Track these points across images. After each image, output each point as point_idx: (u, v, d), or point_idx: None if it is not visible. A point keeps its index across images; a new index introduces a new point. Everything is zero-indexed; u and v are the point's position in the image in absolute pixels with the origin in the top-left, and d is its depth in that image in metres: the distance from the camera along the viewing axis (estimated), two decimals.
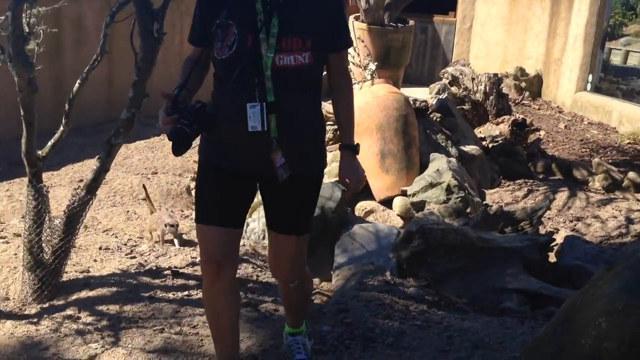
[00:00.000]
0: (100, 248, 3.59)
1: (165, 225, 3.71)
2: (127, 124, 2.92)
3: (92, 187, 2.96)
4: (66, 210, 2.95)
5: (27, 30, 2.73)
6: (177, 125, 1.87)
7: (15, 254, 3.37)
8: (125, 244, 3.70)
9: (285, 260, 2.18)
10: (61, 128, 3.10)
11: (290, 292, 2.31)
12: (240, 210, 2.13)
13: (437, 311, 3.09)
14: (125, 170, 5.37)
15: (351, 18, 5.24)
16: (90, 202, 2.98)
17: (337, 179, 2.17)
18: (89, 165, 5.50)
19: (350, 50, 4.91)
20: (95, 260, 3.39)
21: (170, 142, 1.91)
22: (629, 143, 6.77)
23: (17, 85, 2.77)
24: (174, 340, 2.61)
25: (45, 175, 4.88)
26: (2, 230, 3.76)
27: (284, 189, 2.03)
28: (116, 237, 3.84)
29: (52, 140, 3.09)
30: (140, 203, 4.58)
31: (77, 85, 3.10)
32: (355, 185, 2.08)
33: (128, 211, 4.27)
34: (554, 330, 1.78)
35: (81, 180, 4.94)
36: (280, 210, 2.12)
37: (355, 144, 2.11)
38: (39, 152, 3.02)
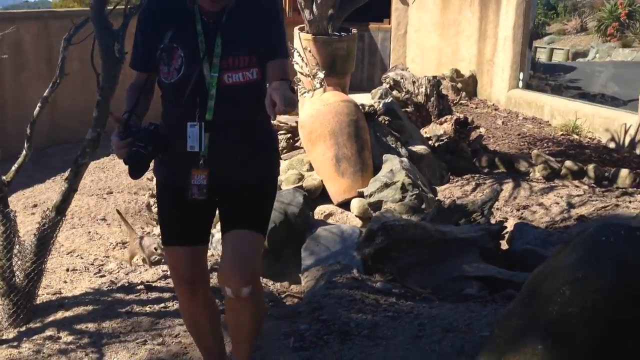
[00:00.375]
0: (67, 270, 3.60)
1: (155, 249, 3.65)
2: (92, 144, 2.96)
3: (62, 208, 2.99)
4: (36, 233, 2.96)
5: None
6: (132, 148, 1.89)
7: None
8: (92, 264, 3.71)
9: (236, 263, 2.02)
10: (24, 152, 3.12)
11: (241, 311, 2.09)
12: (203, 226, 2.16)
13: (405, 302, 3.25)
14: (80, 192, 5.30)
15: (296, 29, 5.40)
16: (60, 223, 3.00)
17: (294, 185, 2.17)
18: (40, 190, 5.44)
19: (298, 60, 5.08)
20: (65, 282, 3.40)
21: (127, 166, 1.92)
22: (562, 134, 7.18)
23: None
24: (158, 350, 2.67)
25: None
26: None
27: (235, 196, 2.06)
28: (81, 257, 3.84)
29: (16, 165, 3.10)
30: (99, 223, 4.58)
31: (37, 108, 3.13)
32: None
33: (89, 232, 4.26)
34: (522, 303, 1.97)
35: (35, 205, 4.90)
36: (232, 211, 2.10)
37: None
38: (4, 177, 3.02)
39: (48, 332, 2.83)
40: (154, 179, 2.23)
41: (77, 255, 3.87)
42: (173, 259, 2.13)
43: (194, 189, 2.00)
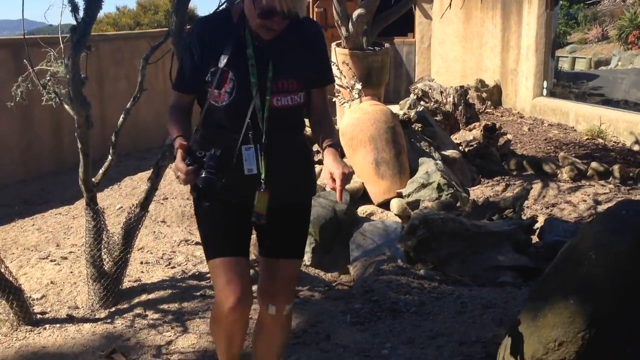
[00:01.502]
0: (141, 263, 4.02)
1: None
2: (171, 148, 3.38)
3: (145, 204, 3.42)
4: (123, 226, 3.39)
5: (84, 74, 3.18)
6: (204, 175, 1.87)
7: (71, 272, 3.78)
8: (162, 258, 4.13)
9: (282, 284, 2.12)
10: (109, 157, 3.55)
11: (278, 327, 2.17)
12: (247, 240, 2.17)
13: (447, 286, 3.61)
14: (137, 199, 5.78)
15: (333, 45, 5.82)
16: (144, 217, 3.43)
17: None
18: (101, 197, 5.89)
19: (337, 72, 5.50)
20: (142, 272, 3.82)
21: (198, 192, 1.92)
22: (587, 138, 7.48)
23: (76, 122, 3.21)
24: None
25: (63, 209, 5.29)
26: (48, 256, 4.15)
27: (278, 218, 2.06)
28: (151, 253, 4.26)
29: (103, 169, 3.53)
30: (160, 225, 5.00)
31: (121, 119, 3.56)
32: (341, 180, 1.87)
33: (154, 231, 4.69)
34: (556, 268, 2.32)
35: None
36: (277, 237, 2.13)
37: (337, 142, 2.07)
38: (93, 179, 3.46)
39: (136, 311, 3.24)
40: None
41: (147, 251, 4.29)
42: (221, 271, 2.04)
43: (255, 214, 2.01)
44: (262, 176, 2.00)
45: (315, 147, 2.70)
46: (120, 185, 6.41)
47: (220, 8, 2.16)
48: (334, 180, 1.89)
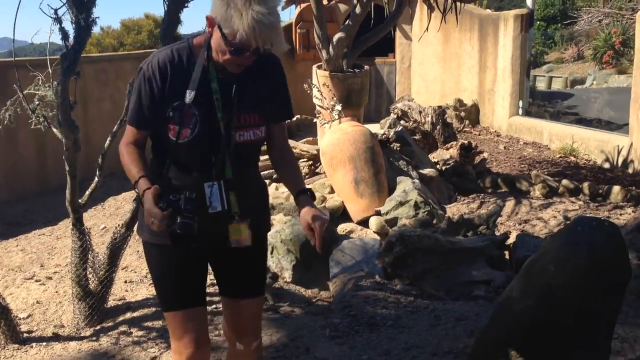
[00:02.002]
0: (125, 282, 4.12)
1: None
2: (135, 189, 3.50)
3: (130, 224, 3.53)
4: (109, 246, 3.50)
5: (72, 99, 3.30)
6: (182, 220, 1.76)
7: (56, 291, 3.87)
8: (145, 277, 4.23)
9: (248, 323, 2.13)
10: (95, 179, 3.66)
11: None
12: (204, 285, 2.11)
13: (422, 300, 3.75)
14: (121, 219, 5.87)
15: (314, 67, 6.00)
16: (129, 237, 3.54)
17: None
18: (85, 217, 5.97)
19: (317, 94, 5.67)
20: (126, 291, 3.92)
21: (175, 237, 1.78)
22: (560, 157, 7.71)
23: (64, 145, 3.33)
24: (216, 340, 3.17)
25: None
26: (33, 277, 4.23)
27: (237, 254, 2.01)
28: (134, 272, 4.36)
29: (89, 190, 3.65)
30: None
31: (107, 142, 3.67)
32: (320, 232, 1.94)
33: (138, 250, 4.79)
34: (519, 280, 2.48)
35: None
36: (236, 276, 2.10)
37: (308, 188, 2.07)
38: (79, 200, 3.56)
39: (121, 329, 3.34)
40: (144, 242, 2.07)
41: (131, 270, 4.38)
42: (180, 323, 2.02)
43: (234, 241, 1.94)
44: (235, 209, 1.94)
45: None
46: (104, 206, 6.51)
47: (180, 42, 1.99)
48: (312, 230, 1.91)
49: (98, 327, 3.41)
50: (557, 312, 2.24)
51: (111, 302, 3.68)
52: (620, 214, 5.11)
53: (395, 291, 3.88)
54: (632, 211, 5.15)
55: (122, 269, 4.48)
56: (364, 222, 5.12)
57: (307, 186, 2.08)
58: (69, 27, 3.08)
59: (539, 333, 2.27)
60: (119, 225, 3.51)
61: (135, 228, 2.14)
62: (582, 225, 2.38)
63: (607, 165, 7.24)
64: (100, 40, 16.47)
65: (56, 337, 3.29)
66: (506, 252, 4.64)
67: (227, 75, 1.92)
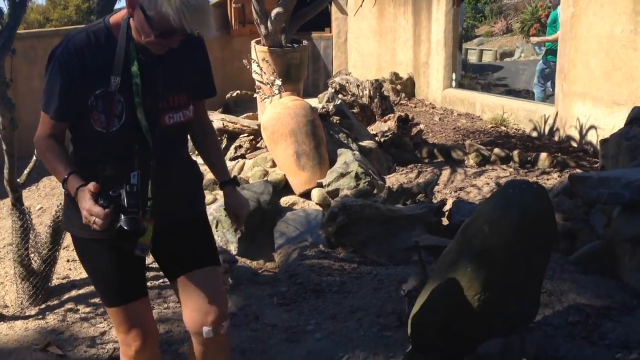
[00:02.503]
0: (68, 260, 4.08)
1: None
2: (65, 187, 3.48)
3: None
4: (51, 224, 3.46)
5: (8, 77, 3.22)
6: (128, 216, 1.66)
7: None
8: None
9: (212, 298, 1.94)
10: (34, 158, 3.59)
11: (218, 349, 2.00)
12: (144, 275, 2.05)
13: (366, 267, 3.90)
14: (58, 199, 5.75)
15: (253, 42, 6.00)
16: None
17: (230, 210, 2.04)
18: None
19: (257, 69, 5.68)
20: (70, 269, 3.89)
21: (121, 235, 1.67)
22: (491, 127, 8.02)
23: (0, 124, 3.26)
24: (165, 313, 3.22)
25: None
26: None
27: (182, 234, 1.95)
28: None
29: (27, 169, 3.58)
30: None
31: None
32: (244, 219, 2.02)
33: None
34: (455, 242, 2.64)
35: None
36: (186, 251, 1.98)
37: (232, 177, 2.08)
38: (18, 180, 3.50)
39: (67, 306, 3.33)
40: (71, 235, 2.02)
41: (73, 249, 4.33)
42: (123, 317, 1.95)
43: (139, 246, 1.78)
44: (149, 204, 1.81)
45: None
46: (39, 186, 6.34)
47: (95, 23, 1.83)
48: (237, 218, 2.02)
49: (43, 305, 3.39)
50: (492, 269, 2.40)
51: (55, 281, 3.65)
52: (548, 179, 5.41)
53: (339, 259, 4.01)
54: (558, 176, 5.46)
55: (64, 249, 4.42)
56: (307, 195, 5.22)
57: (231, 175, 2.12)
58: (2, 4, 3.00)
59: (475, 290, 2.43)
60: (60, 203, 3.46)
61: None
62: (513, 187, 2.55)
63: (535, 134, 7.59)
64: (26, 17, 15.74)
65: (1, 317, 3.25)
66: (443, 219, 4.85)
67: (150, 57, 1.79)
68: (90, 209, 1.63)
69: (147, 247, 1.79)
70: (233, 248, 4.35)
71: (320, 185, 5.17)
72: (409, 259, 4.30)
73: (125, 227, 1.65)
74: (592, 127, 6.67)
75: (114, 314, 1.97)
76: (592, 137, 6.60)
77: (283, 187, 5.27)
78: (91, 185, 1.65)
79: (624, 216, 3.46)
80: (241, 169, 5.62)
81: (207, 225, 2.11)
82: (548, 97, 8.28)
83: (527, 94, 9.54)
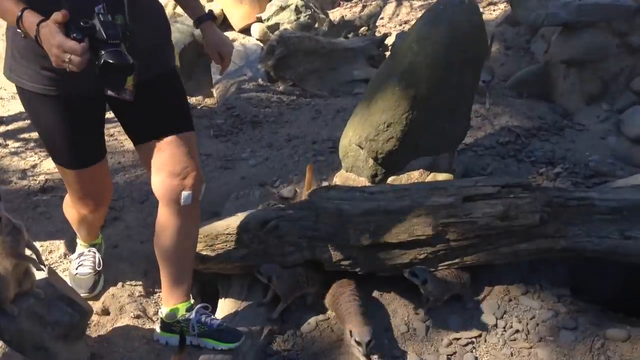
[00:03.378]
0: None
1: None
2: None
3: None
4: None
5: None
6: (108, 49, 1.39)
7: None
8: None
9: (188, 160, 1.80)
10: None
11: (193, 217, 1.89)
12: (103, 135, 1.87)
13: (305, 99, 3.86)
14: None
15: None
16: None
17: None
18: None
19: None
20: None
21: (105, 75, 1.41)
22: None
23: None
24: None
25: None
26: None
27: (150, 93, 1.69)
28: (5, 89, 4.10)
29: None
30: None
31: None
32: (229, 59, 1.88)
33: None
34: (385, 63, 2.60)
35: None
36: (157, 113, 1.77)
37: (208, 11, 1.88)
38: None
39: None
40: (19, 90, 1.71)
41: (1, 88, 4.14)
42: (89, 183, 1.85)
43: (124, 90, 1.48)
44: (120, 37, 1.45)
45: None
46: None
47: None
48: (221, 57, 1.84)
49: None
50: (420, 86, 2.38)
51: None
52: (494, 10, 5.30)
53: (278, 92, 3.95)
54: (505, 7, 5.36)
55: None
56: (246, 30, 5.03)
57: (206, 8, 1.91)
58: None
59: (404, 108, 2.42)
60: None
61: (2, 69, 1.70)
62: (444, 4, 2.46)
63: None
64: None
65: None
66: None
67: None
68: (62, 44, 1.36)
69: (132, 92, 1.46)
70: None
71: (260, 20, 4.97)
72: (350, 92, 4.27)
73: (111, 61, 1.38)
74: None
75: (68, 177, 1.84)
76: None
77: (222, 23, 5.05)
78: (58, 15, 1.37)
79: (561, 38, 3.46)
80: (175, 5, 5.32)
81: (180, 84, 1.88)
82: None
83: None
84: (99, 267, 2.21)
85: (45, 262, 2.01)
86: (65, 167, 1.83)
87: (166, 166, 1.79)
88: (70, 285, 2.08)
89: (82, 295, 2.09)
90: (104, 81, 1.42)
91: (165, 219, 1.86)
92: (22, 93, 1.70)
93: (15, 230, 1.64)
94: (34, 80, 1.63)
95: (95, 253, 2.22)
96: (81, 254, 2.22)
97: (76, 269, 2.20)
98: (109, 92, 1.45)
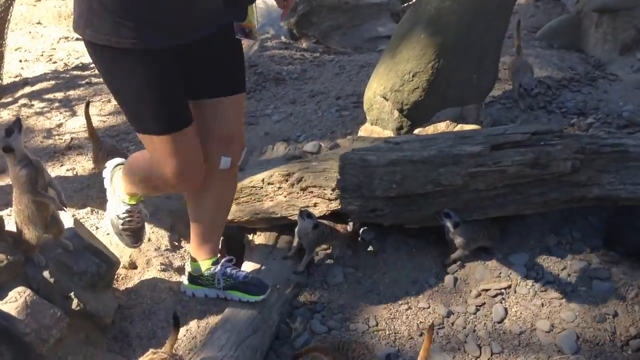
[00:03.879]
0: (20, 61, 3.92)
1: None
2: None
3: None
4: None
5: None
6: None
7: None
8: (42, 55, 4.04)
9: (236, 127, 1.78)
10: None
11: (231, 180, 1.89)
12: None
13: (329, 55, 3.80)
14: None
15: None
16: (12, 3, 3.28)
17: None
18: None
19: None
20: (22, 68, 3.75)
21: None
22: None
23: None
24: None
25: None
26: None
27: (214, 46, 1.62)
28: (29, 52, 4.13)
29: None
30: (35, 26, 4.78)
31: None
32: (292, 2, 1.80)
33: (30, 32, 4.50)
34: (410, 12, 2.52)
35: None
36: (217, 70, 1.69)
37: None
38: None
39: (21, 102, 3.25)
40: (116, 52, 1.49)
41: (25, 50, 4.15)
42: (181, 149, 1.64)
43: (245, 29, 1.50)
44: None
45: None
46: None
47: None
48: (285, 2, 1.74)
49: None
50: (446, 34, 2.31)
51: (7, 80, 3.53)
52: None
53: (301, 49, 3.90)
54: None
55: (16, 50, 4.24)
56: None
57: None
58: None
59: (429, 57, 2.36)
60: None
61: (78, 27, 1.50)
62: None
63: None
64: None
65: None
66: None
67: None
68: None
69: (250, 30, 1.46)
70: None
71: None
72: (374, 49, 4.19)
73: None
74: None
75: (159, 144, 1.61)
76: None
77: None
78: None
79: None
80: None
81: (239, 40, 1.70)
82: None
83: None
84: (145, 220, 2.13)
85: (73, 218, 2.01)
86: (156, 134, 1.61)
87: (213, 128, 1.73)
88: (117, 238, 2.03)
89: (130, 247, 2.05)
90: (227, 9, 1.44)
91: (204, 185, 1.80)
92: (102, 52, 1.51)
93: (31, 166, 1.62)
94: (117, 32, 1.45)
95: (142, 208, 2.12)
96: (129, 210, 2.03)
97: (123, 223, 2.02)
98: (238, 35, 1.51)
